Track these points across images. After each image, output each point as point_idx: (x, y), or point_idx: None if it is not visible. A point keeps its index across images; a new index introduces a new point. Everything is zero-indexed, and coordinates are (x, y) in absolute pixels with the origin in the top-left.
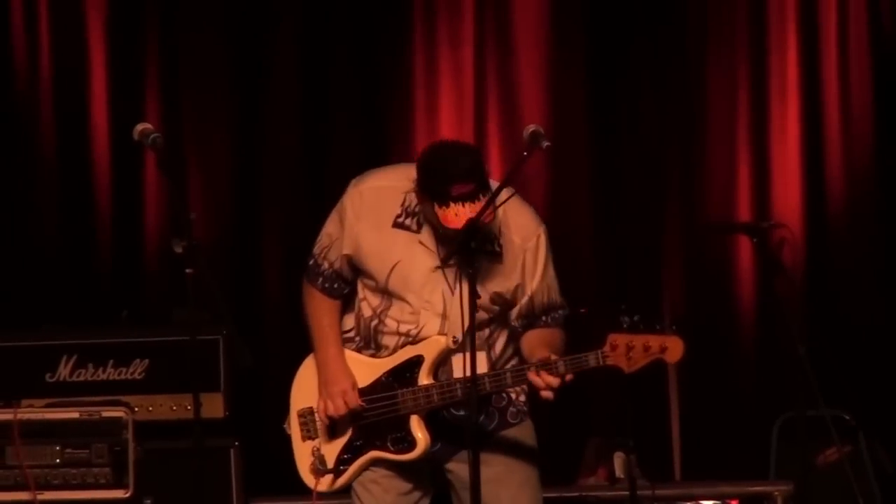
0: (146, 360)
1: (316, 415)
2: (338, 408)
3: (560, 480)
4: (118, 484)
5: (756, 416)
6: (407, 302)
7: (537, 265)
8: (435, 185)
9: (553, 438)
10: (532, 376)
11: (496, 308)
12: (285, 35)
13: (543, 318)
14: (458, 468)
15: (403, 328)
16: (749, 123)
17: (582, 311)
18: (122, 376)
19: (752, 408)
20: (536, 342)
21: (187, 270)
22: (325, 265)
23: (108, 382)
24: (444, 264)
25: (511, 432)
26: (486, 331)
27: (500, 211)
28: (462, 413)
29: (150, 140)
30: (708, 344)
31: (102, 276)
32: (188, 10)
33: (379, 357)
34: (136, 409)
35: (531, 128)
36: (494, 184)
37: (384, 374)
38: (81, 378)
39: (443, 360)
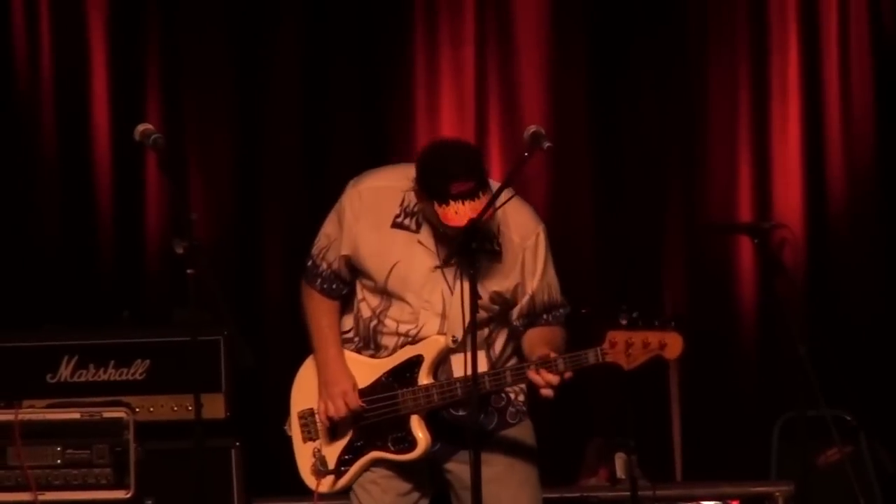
0: (147, 361)
1: (316, 416)
2: (338, 409)
3: (561, 481)
4: (119, 484)
5: (757, 416)
6: (406, 302)
7: (537, 264)
8: (434, 184)
9: (554, 439)
10: (532, 374)
11: (496, 308)
12: (286, 35)
13: (544, 316)
14: (457, 468)
15: (403, 328)
16: (750, 123)
17: (583, 311)
18: (124, 377)
19: (753, 408)
20: (537, 341)
21: (188, 271)
22: (324, 266)
23: (109, 383)
24: (444, 264)
25: (510, 432)
26: (486, 330)
27: (499, 210)
28: (462, 413)
29: (151, 140)
30: (709, 344)
31: (103, 277)
32: (189, 10)
33: (378, 357)
34: (138, 409)
35: (532, 128)
36: (495, 184)
37: (384, 374)
38: (82, 379)
39: (442, 360)
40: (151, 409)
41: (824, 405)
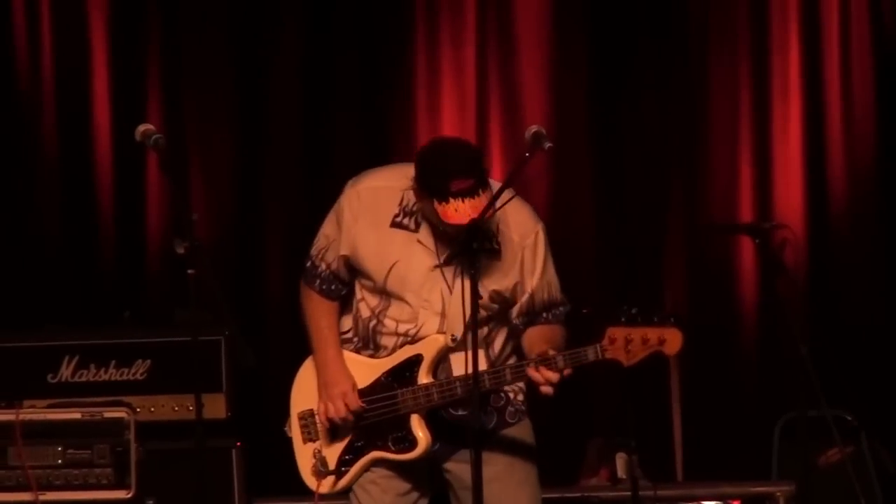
0: (148, 361)
1: (316, 417)
2: (338, 410)
3: (562, 481)
4: (120, 484)
5: (758, 416)
6: (406, 301)
7: (536, 262)
8: (434, 181)
9: (555, 439)
10: (531, 372)
11: (495, 306)
12: (287, 35)
13: (544, 315)
14: (456, 468)
15: (402, 328)
16: (751, 124)
17: (585, 311)
18: (124, 377)
19: (754, 408)
20: (537, 339)
21: (189, 271)
22: (323, 266)
23: (110, 383)
24: (444, 264)
25: (510, 432)
26: (485, 329)
27: (495, 206)
28: (461, 412)
29: (152, 141)
30: (710, 344)
31: (104, 277)
32: (190, 10)
33: (378, 357)
34: (138, 409)
35: (533, 129)
36: (496, 184)
37: (383, 374)
38: (83, 379)
39: (442, 359)
40: (152, 410)
41: (825, 405)
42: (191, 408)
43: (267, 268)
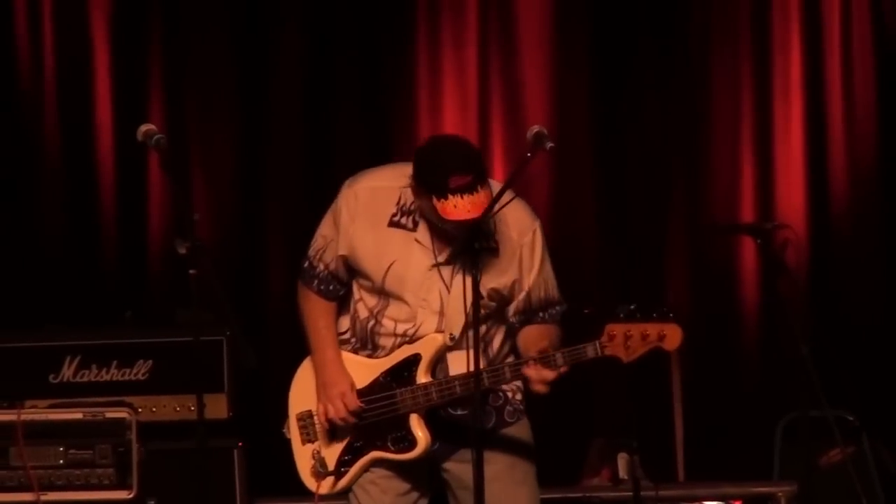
0: (150, 361)
1: (315, 418)
2: (337, 410)
3: (563, 481)
4: (122, 485)
5: (759, 416)
6: (404, 301)
7: (534, 260)
8: (433, 178)
9: (556, 439)
10: (527, 370)
11: (493, 304)
12: (289, 35)
13: (540, 314)
14: (455, 468)
15: (401, 328)
16: (753, 124)
17: (586, 311)
18: (126, 377)
19: (756, 408)
20: (532, 339)
21: (191, 271)
22: (321, 267)
23: (111, 383)
24: (445, 263)
25: (509, 431)
26: (483, 328)
27: (496, 207)
28: (460, 412)
29: (153, 141)
30: (711, 344)
31: (106, 277)
32: (191, 10)
33: (376, 357)
34: (140, 409)
35: (535, 129)
36: (496, 184)
37: (382, 374)
38: (85, 379)
39: (440, 358)
40: (154, 410)
41: (827, 405)
42: (192, 408)
43: (268, 268)
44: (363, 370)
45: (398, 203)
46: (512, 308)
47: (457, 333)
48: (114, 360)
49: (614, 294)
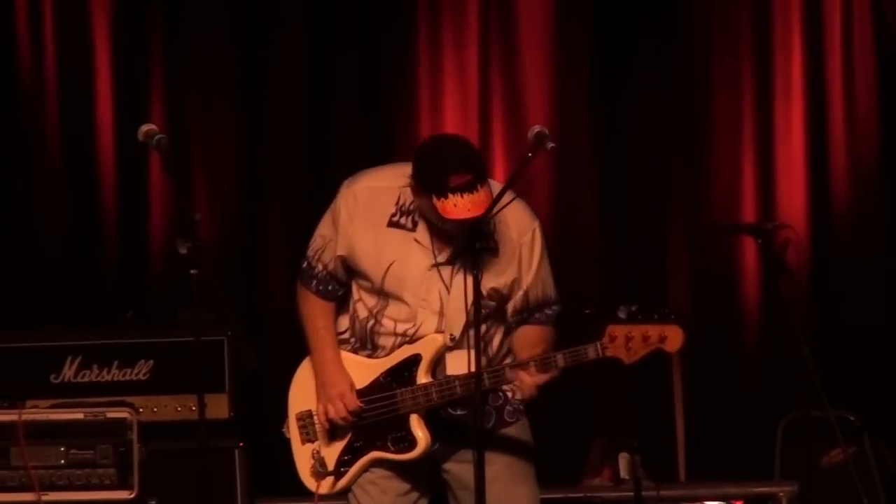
0: (151, 361)
1: (315, 417)
2: (337, 410)
3: (564, 481)
4: (123, 485)
5: (761, 416)
6: (403, 301)
7: (533, 259)
8: (432, 177)
9: (557, 439)
10: (522, 374)
11: (493, 304)
12: (290, 35)
13: (537, 314)
14: (455, 468)
15: (401, 328)
16: (754, 124)
17: (587, 311)
18: (127, 377)
19: (757, 408)
20: (527, 341)
21: (192, 271)
22: (319, 267)
23: (112, 383)
24: (444, 263)
25: (509, 431)
26: (483, 327)
27: (497, 207)
28: (460, 412)
29: (154, 141)
30: (712, 344)
31: (107, 277)
32: (192, 10)
33: (376, 357)
34: (141, 409)
35: (536, 129)
36: (497, 184)
37: (382, 374)
38: (86, 379)
39: (440, 358)
40: (155, 410)
41: (828, 405)
42: (193, 408)
43: (269, 268)
44: (363, 370)
45: (397, 203)
46: (510, 307)
47: (457, 333)
48: (115, 360)
49: (615, 294)
